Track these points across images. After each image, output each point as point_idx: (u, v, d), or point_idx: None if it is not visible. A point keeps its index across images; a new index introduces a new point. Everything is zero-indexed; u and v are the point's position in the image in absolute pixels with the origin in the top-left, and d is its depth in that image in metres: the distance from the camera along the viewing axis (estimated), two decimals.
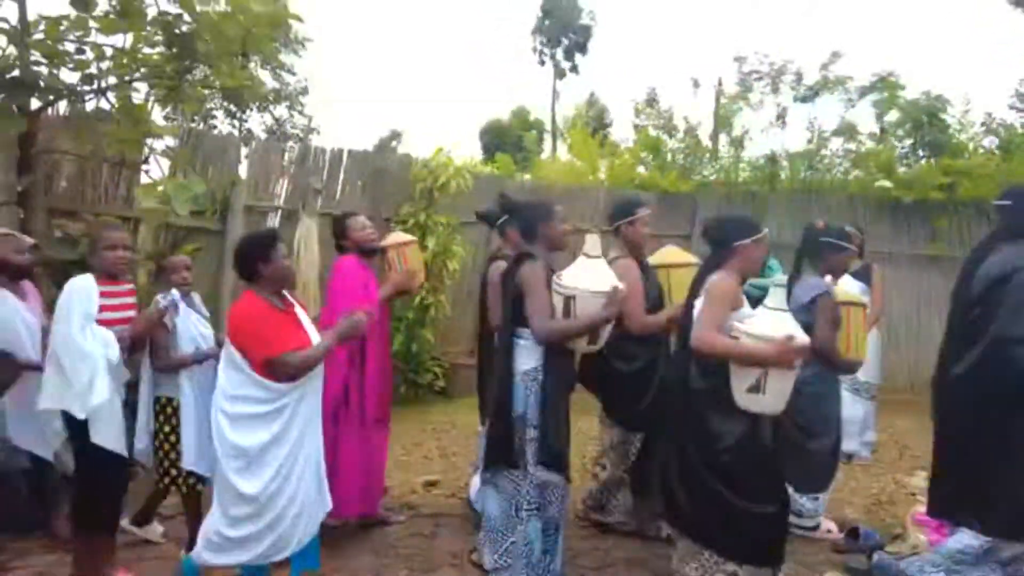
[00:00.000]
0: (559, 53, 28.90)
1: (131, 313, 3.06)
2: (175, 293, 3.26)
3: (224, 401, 2.75)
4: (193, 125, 5.63)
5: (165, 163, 4.72)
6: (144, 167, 4.57)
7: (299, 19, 4.01)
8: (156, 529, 3.59)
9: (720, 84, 11.01)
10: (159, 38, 4.12)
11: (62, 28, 3.97)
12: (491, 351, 3.77)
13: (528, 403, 2.84)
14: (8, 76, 3.56)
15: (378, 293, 3.61)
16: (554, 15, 28.11)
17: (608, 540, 3.67)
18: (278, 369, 2.71)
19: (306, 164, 5.89)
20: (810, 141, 9.35)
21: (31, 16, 3.92)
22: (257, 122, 15.13)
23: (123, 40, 4.07)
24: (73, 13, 3.94)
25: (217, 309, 5.07)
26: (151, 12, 4.01)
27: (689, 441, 2.69)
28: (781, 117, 9.32)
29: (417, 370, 6.61)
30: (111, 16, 3.92)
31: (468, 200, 6.95)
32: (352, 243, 3.65)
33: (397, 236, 3.94)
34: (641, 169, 9.51)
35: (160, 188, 4.10)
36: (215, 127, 13.00)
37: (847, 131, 9.17)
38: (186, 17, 4.01)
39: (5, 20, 3.56)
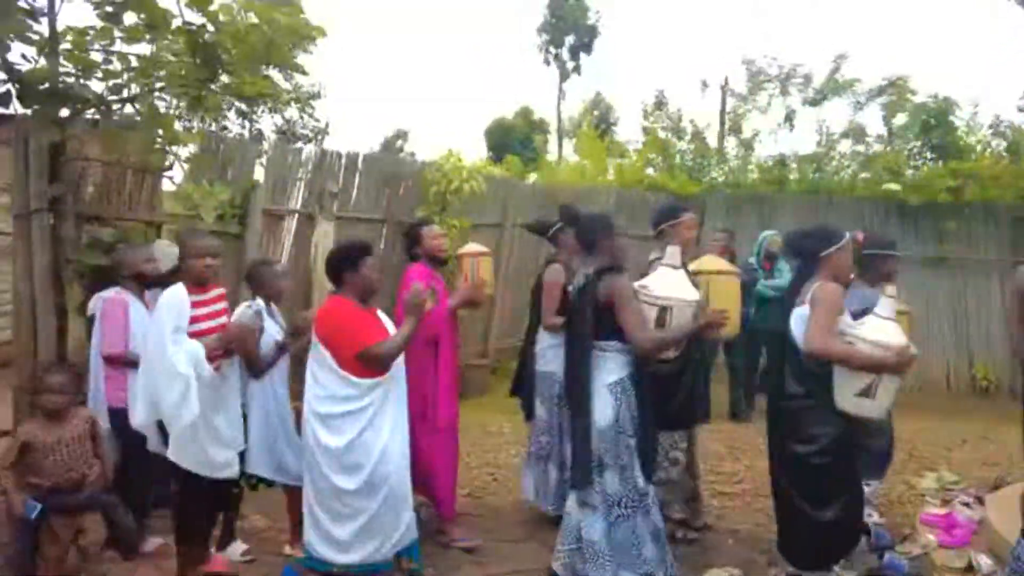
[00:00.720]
0: (564, 53, 28.94)
1: (223, 319, 3.12)
2: (259, 301, 3.40)
3: (315, 403, 2.92)
4: (209, 128, 5.70)
5: (187, 168, 4.82)
6: (167, 173, 4.66)
7: (323, 32, 4.10)
8: (238, 548, 3.54)
9: (727, 84, 11.09)
10: (181, 47, 4.21)
11: (88, 38, 4.07)
12: (534, 353, 3.92)
13: (620, 413, 2.91)
14: (41, 87, 3.64)
15: (447, 302, 3.67)
16: (560, 14, 28.13)
17: None
18: (367, 361, 2.89)
19: (322, 168, 5.98)
20: (819, 143, 9.41)
21: (59, 27, 4.02)
22: (268, 123, 15.26)
23: (147, 49, 4.17)
24: (99, 24, 4.04)
25: (234, 307, 5.16)
26: (175, 22, 4.10)
27: (781, 446, 2.79)
28: (790, 119, 9.38)
29: None
30: (138, 26, 4.01)
31: (480, 203, 7.04)
32: (424, 251, 3.72)
33: (473, 246, 4.01)
34: (650, 171, 9.60)
35: (185, 194, 4.18)
36: (226, 128, 13.12)
37: (855, 134, 9.24)
38: (210, 27, 4.11)
39: (37, 32, 3.65)
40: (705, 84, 10.47)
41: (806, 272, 2.89)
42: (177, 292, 2.99)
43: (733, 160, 9.63)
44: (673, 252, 3.07)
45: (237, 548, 3.50)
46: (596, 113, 23.01)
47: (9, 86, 3.61)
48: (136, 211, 4.60)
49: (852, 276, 3.29)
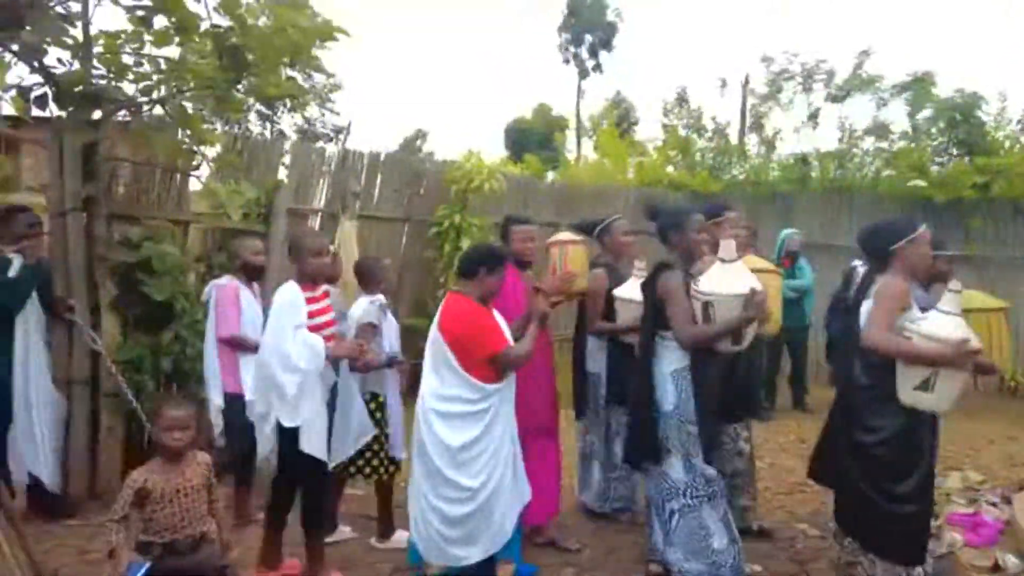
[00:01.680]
0: (584, 51, 28.92)
1: (331, 315, 3.19)
2: (382, 298, 3.50)
3: (435, 400, 2.93)
4: (233, 129, 5.80)
5: (213, 168, 4.93)
6: (194, 173, 4.76)
7: (345, 33, 4.16)
8: (344, 532, 3.67)
9: (747, 83, 11.01)
10: (209, 49, 4.30)
11: (120, 42, 4.18)
12: (584, 353, 3.91)
13: (681, 400, 3.02)
14: (75, 90, 3.75)
15: (530, 301, 3.43)
16: (580, 13, 28.10)
17: (645, 533, 3.77)
18: (500, 365, 2.92)
19: (345, 167, 6.06)
20: (841, 141, 9.31)
21: (92, 32, 4.14)
22: (288, 123, 15.45)
23: (175, 52, 4.26)
24: (130, 27, 4.14)
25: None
26: (203, 25, 4.19)
27: (848, 434, 2.83)
28: (813, 117, 9.29)
29: None
30: (167, 30, 4.11)
31: (500, 202, 7.08)
32: (511, 250, 3.60)
33: (563, 235, 3.73)
34: (670, 169, 9.57)
35: (214, 194, 4.28)
36: (248, 129, 13.32)
37: (879, 130, 9.12)
38: (236, 30, 4.19)
39: (72, 37, 3.76)
40: (724, 82, 10.39)
41: (875, 268, 2.88)
42: (293, 290, 3.05)
43: (754, 158, 9.56)
44: (727, 246, 3.08)
45: (344, 532, 3.66)
46: (616, 112, 22.95)
47: (46, 89, 3.71)
48: (164, 210, 4.71)
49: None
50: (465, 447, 2.88)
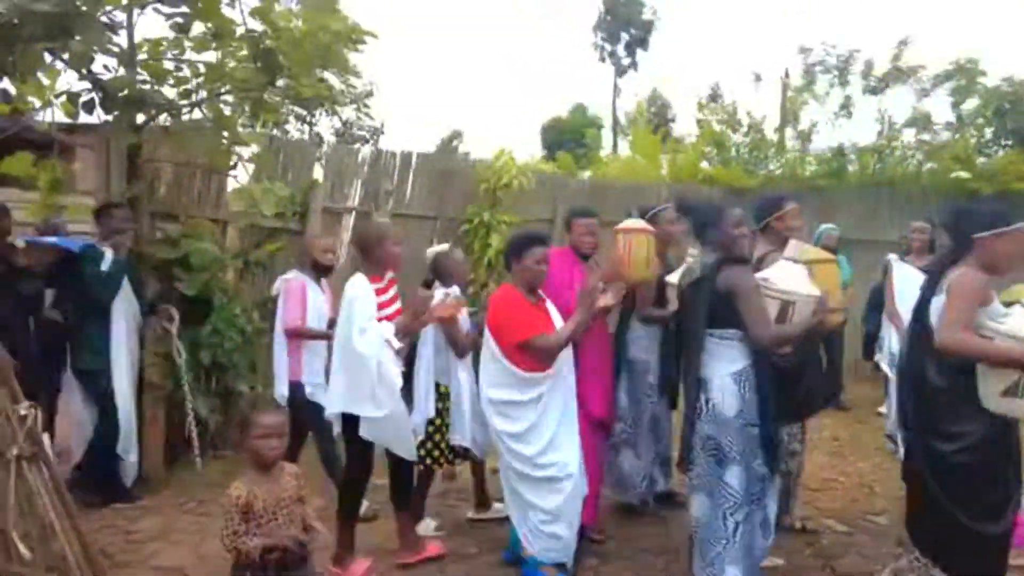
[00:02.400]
0: (620, 49, 28.74)
1: (398, 305, 3.26)
2: (456, 290, 3.62)
3: (489, 389, 3.10)
4: (272, 132, 5.99)
5: (250, 168, 5.11)
6: (232, 173, 4.95)
7: (374, 35, 4.28)
8: (429, 524, 3.72)
9: (787, 76, 10.82)
10: (245, 54, 4.47)
11: (162, 48, 4.38)
12: (626, 340, 3.83)
13: (744, 401, 2.84)
14: (120, 95, 3.94)
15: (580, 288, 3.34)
16: (615, 11, 27.95)
17: (668, 526, 3.78)
18: (529, 352, 2.98)
19: (378, 167, 6.20)
20: (880, 133, 9.08)
21: (136, 39, 4.34)
22: (326, 125, 15.75)
23: (213, 56, 4.44)
24: (172, 35, 4.33)
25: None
26: (239, 30, 4.36)
27: (923, 443, 2.61)
28: (847, 108, 9.08)
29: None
30: (205, 36, 4.28)
31: (530, 199, 7.13)
32: (571, 242, 3.63)
33: (629, 222, 3.55)
34: (705, 164, 9.47)
35: (248, 192, 4.45)
36: (287, 131, 13.61)
37: (921, 121, 8.86)
38: (270, 34, 4.34)
39: (117, 44, 3.95)
40: (758, 77, 10.23)
41: (953, 255, 2.60)
42: (363, 283, 3.08)
43: (790, 152, 9.39)
44: (795, 245, 3.04)
45: (429, 524, 3.72)
46: (652, 109, 22.76)
47: (93, 95, 3.91)
48: (203, 208, 4.92)
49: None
50: (521, 436, 2.99)
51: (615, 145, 23.17)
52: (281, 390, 3.97)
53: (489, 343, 3.10)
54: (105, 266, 3.87)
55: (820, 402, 3.71)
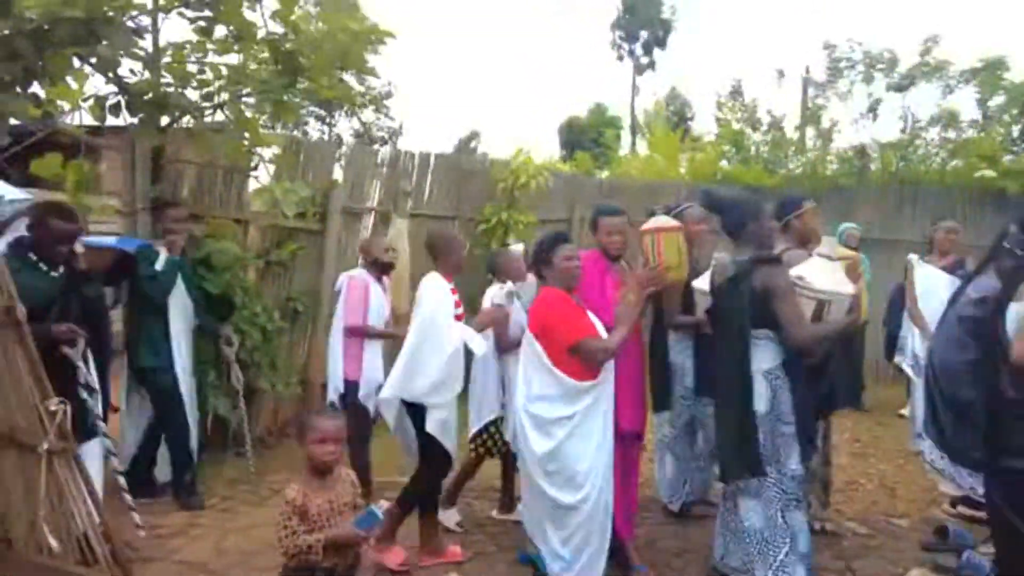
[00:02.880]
0: (638, 48, 28.62)
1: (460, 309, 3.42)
2: (511, 284, 3.65)
3: (526, 403, 2.93)
4: (292, 132, 6.06)
5: (271, 169, 5.17)
6: (253, 174, 5.01)
7: (392, 35, 4.31)
8: (453, 516, 3.74)
9: (808, 73, 10.71)
10: (266, 55, 4.53)
11: (185, 51, 4.45)
12: (665, 343, 3.82)
13: (777, 400, 2.82)
14: (145, 98, 4.02)
15: (616, 294, 3.23)
16: (635, 10, 27.83)
17: (687, 526, 3.78)
18: (580, 356, 2.83)
19: (397, 167, 6.25)
20: (903, 131, 8.95)
21: (160, 43, 4.42)
22: (346, 126, 15.92)
23: (235, 59, 4.51)
24: (195, 38, 4.40)
25: (317, 304, 5.50)
26: (260, 33, 4.42)
27: (995, 459, 2.51)
28: (872, 109, 8.96)
29: None
30: (228, 39, 4.35)
31: (548, 199, 7.13)
32: (599, 241, 3.50)
33: (657, 220, 3.29)
34: (724, 163, 9.41)
35: (269, 192, 4.51)
36: (307, 133, 13.77)
37: (946, 119, 8.72)
38: (290, 36, 4.40)
39: (142, 48, 4.03)
40: (781, 73, 10.13)
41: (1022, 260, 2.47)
42: (442, 282, 3.28)
43: (811, 151, 9.29)
44: (829, 242, 2.99)
45: (452, 516, 3.72)
46: (671, 107, 22.63)
47: (119, 98, 3.99)
48: (226, 209, 4.98)
49: None
50: (554, 454, 2.82)
51: (633, 144, 23.11)
52: (336, 387, 4.00)
53: (535, 349, 2.91)
54: (159, 265, 3.90)
55: (842, 399, 3.68)
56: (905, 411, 5.87)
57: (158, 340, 3.95)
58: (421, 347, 3.17)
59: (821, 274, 2.92)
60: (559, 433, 2.83)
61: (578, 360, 2.85)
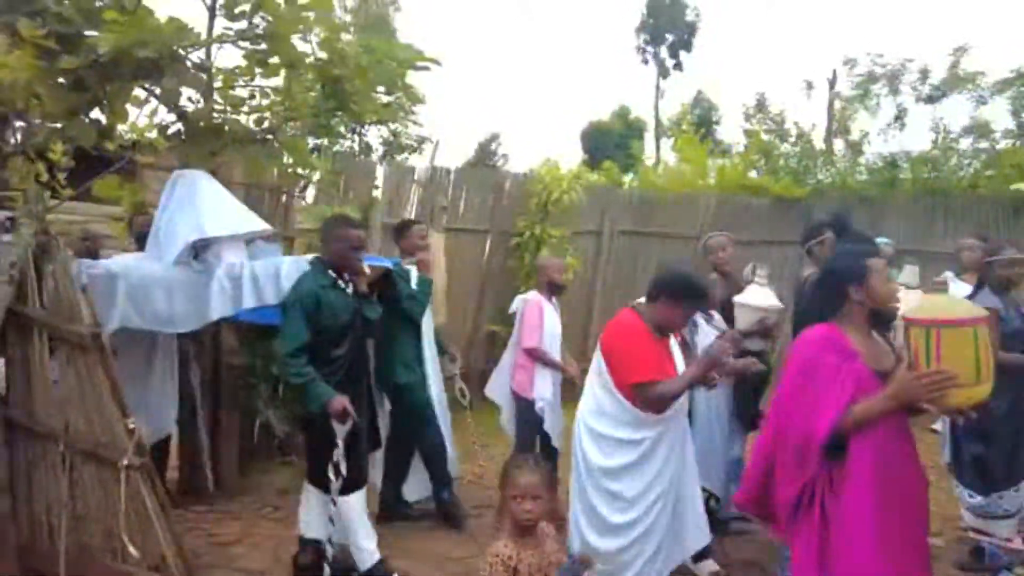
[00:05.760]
0: (663, 51, 28.59)
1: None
2: (717, 316, 3.68)
3: (588, 415, 2.82)
4: (332, 149, 6.27)
5: (315, 189, 5.38)
6: (299, 195, 5.22)
7: (438, 62, 4.47)
8: (709, 566, 3.42)
9: (834, 78, 10.68)
10: (311, 77, 4.72)
11: (235, 78, 4.65)
12: None
13: None
14: (202, 124, 4.23)
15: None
16: (659, 13, 27.83)
17: (725, 542, 3.85)
18: (640, 396, 2.67)
19: (432, 183, 6.43)
20: (935, 142, 8.92)
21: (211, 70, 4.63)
22: (375, 135, 16.13)
23: (283, 83, 4.69)
24: (243, 63, 4.60)
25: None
26: (308, 59, 4.60)
27: None
28: (900, 118, 8.94)
29: None
30: (277, 65, 4.54)
31: (578, 211, 7.25)
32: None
33: (929, 308, 2.13)
34: (752, 174, 9.45)
35: (320, 211, 4.70)
36: (338, 142, 13.97)
37: (979, 130, 8.67)
38: (337, 63, 4.58)
39: (200, 78, 4.23)
40: (810, 85, 10.14)
41: None
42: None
43: (840, 162, 9.29)
44: (912, 272, 3.00)
45: (708, 566, 3.42)
46: (697, 111, 22.58)
47: (179, 126, 4.20)
48: (273, 226, 5.17)
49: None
50: (612, 472, 2.70)
51: (657, 148, 23.09)
52: (506, 411, 4.21)
53: (602, 370, 2.79)
54: (414, 283, 3.94)
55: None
56: (937, 425, 5.87)
57: (412, 357, 3.92)
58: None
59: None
60: (620, 456, 2.73)
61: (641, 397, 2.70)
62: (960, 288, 4.79)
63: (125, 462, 2.83)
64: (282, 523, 3.96)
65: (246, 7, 4.17)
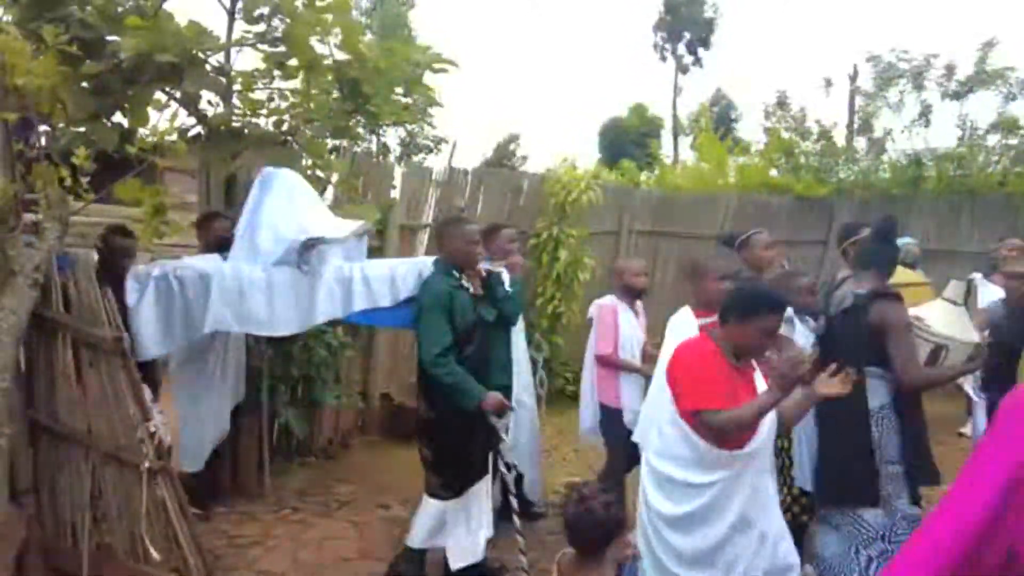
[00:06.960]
0: (681, 48, 28.39)
1: None
2: (790, 311, 3.16)
3: (653, 455, 2.50)
4: (352, 151, 6.29)
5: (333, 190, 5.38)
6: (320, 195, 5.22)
7: (455, 64, 4.46)
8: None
9: (855, 73, 10.48)
10: (329, 79, 4.73)
11: (253, 80, 4.68)
12: None
13: (884, 439, 2.76)
14: (222, 128, 4.25)
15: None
16: (677, 10, 27.63)
17: None
18: (701, 426, 2.34)
19: (451, 184, 6.42)
20: (960, 139, 8.73)
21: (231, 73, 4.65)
22: (392, 135, 16.20)
23: (301, 85, 4.71)
24: (262, 65, 4.63)
25: None
26: (326, 62, 4.61)
27: None
28: (924, 115, 8.76)
29: (549, 375, 6.95)
30: (296, 67, 4.56)
31: (596, 210, 7.20)
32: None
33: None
34: (773, 172, 9.33)
35: (344, 213, 4.70)
36: (355, 142, 14.04)
37: (1007, 125, 8.47)
38: (355, 64, 4.58)
39: (220, 81, 4.26)
40: (829, 82, 9.97)
41: None
42: (689, 318, 3.16)
43: (863, 160, 9.13)
44: (956, 287, 2.88)
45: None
46: (715, 108, 22.39)
47: (199, 129, 4.24)
48: None
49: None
50: (680, 521, 2.34)
51: (675, 145, 22.94)
52: (585, 423, 4.03)
53: (666, 398, 2.48)
54: (508, 285, 3.85)
55: None
56: (966, 430, 5.76)
57: (506, 359, 3.80)
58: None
59: (943, 317, 2.86)
60: (688, 502, 2.35)
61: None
62: (988, 291, 4.67)
63: (146, 464, 2.85)
64: (300, 525, 3.98)
65: (265, 10, 4.19)
